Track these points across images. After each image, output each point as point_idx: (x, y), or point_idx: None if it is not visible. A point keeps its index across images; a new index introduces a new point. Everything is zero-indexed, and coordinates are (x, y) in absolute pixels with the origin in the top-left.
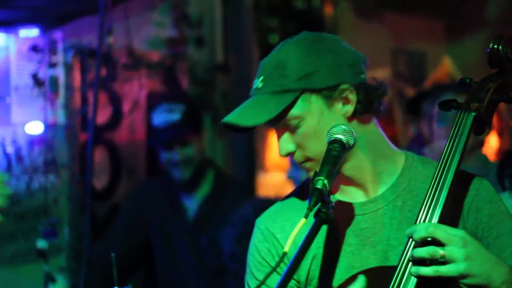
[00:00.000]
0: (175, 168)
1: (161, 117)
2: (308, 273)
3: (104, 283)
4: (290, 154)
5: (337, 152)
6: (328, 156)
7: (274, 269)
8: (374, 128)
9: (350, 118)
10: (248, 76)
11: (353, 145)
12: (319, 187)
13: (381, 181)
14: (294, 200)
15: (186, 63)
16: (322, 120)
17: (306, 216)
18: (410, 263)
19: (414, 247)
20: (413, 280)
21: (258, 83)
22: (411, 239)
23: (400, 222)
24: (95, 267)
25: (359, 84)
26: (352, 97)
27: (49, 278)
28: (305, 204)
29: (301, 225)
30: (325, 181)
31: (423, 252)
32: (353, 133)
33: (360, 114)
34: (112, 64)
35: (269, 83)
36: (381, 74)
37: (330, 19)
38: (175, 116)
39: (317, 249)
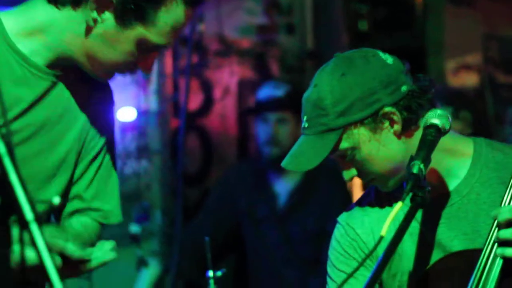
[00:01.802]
0: (266, 146)
1: (265, 91)
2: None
3: (194, 267)
4: (354, 177)
5: (432, 137)
6: (424, 141)
7: (369, 254)
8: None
9: (402, 134)
10: None
11: (449, 129)
12: (415, 171)
13: (452, 176)
14: (371, 197)
15: (277, 50)
16: (374, 145)
17: (403, 200)
18: (496, 244)
19: (499, 229)
20: (499, 261)
21: (304, 122)
22: (496, 221)
23: (476, 215)
24: (184, 251)
25: (401, 99)
26: (396, 117)
27: (142, 262)
28: (381, 199)
29: (398, 208)
30: (421, 166)
31: (508, 233)
32: (448, 118)
33: (413, 124)
34: (203, 51)
35: (312, 124)
36: (472, 59)
37: (420, 5)
38: (279, 92)
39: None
